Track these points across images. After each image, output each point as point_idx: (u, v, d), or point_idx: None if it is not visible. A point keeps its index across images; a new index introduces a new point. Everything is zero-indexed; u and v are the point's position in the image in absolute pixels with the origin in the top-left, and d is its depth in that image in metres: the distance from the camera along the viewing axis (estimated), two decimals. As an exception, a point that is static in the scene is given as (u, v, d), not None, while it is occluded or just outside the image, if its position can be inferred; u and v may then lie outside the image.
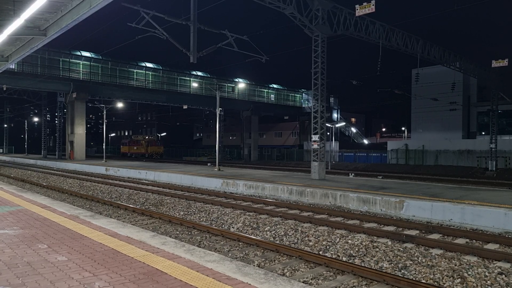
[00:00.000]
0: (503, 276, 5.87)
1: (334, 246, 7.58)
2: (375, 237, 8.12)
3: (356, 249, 7.33)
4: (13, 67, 32.28)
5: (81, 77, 38.22)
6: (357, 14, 15.84)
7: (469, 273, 6.00)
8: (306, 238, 8.21)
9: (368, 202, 11.36)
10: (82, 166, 29.06)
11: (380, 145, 50.41)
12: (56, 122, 48.46)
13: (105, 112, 35.29)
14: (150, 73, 43.25)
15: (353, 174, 23.21)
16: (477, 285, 5.56)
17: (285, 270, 6.17)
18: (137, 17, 16.18)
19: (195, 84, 45.62)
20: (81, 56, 38.47)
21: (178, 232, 8.85)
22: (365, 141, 60.13)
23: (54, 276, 3.91)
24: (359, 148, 49.66)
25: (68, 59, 37.49)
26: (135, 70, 42.17)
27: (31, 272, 4.03)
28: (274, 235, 8.61)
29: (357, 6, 15.59)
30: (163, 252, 4.85)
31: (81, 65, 38.57)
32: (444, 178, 23.61)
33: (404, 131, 61.46)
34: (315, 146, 17.30)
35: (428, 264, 6.42)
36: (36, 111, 59.48)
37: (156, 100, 44.52)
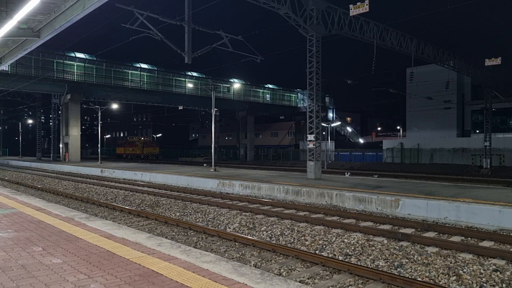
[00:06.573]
0: (498, 273, 5.91)
1: (330, 245, 7.59)
2: (371, 236, 8.15)
3: (352, 248, 7.35)
4: (7, 68, 32.02)
5: (75, 78, 38.03)
6: (351, 14, 15.89)
7: (465, 270, 6.04)
8: (303, 238, 8.22)
9: (364, 201, 11.39)
10: (77, 168, 28.90)
11: (375, 144, 50.57)
12: (51, 123, 48.19)
13: (100, 113, 35.12)
14: (145, 74, 43.12)
15: (349, 173, 23.27)
16: (472, 282, 5.59)
17: (282, 270, 6.17)
18: (131, 18, 16.14)
19: (190, 85, 45.53)
20: (75, 57, 38.28)
21: (174, 233, 8.83)
22: (361, 140, 60.32)
23: (49, 278, 3.88)
24: (355, 147, 49.80)
25: (62, 61, 37.28)
26: (130, 71, 42.01)
27: (26, 275, 4.00)
28: (270, 235, 8.61)
29: (351, 6, 15.64)
30: (159, 253, 4.83)
31: (75, 67, 38.38)
32: (439, 176, 23.74)
33: (399, 130, 61.70)
34: (311, 145, 17.33)
35: (424, 262, 6.44)
36: (31, 113, 59.06)
37: (151, 101, 44.38)
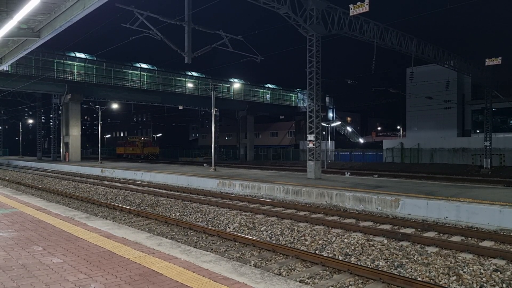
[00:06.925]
0: (498, 273, 5.91)
1: (330, 245, 7.59)
2: (371, 236, 8.15)
3: (352, 248, 7.35)
4: (7, 69, 32.04)
5: (75, 78, 38.04)
6: (351, 14, 15.87)
7: (465, 270, 6.03)
8: (303, 238, 8.22)
9: (364, 201, 11.39)
10: (78, 168, 28.91)
11: (375, 144, 50.58)
12: (51, 123, 48.22)
13: (100, 113, 35.13)
14: (145, 73, 43.13)
15: (349, 173, 23.27)
16: (472, 282, 5.59)
17: (282, 270, 6.17)
18: (131, 18, 16.14)
19: (190, 85, 45.54)
20: (76, 57, 38.30)
21: (174, 233, 8.83)
22: (361, 140, 60.31)
23: (49, 278, 3.89)
24: (355, 147, 49.81)
25: (62, 61, 37.30)
26: (130, 71, 42.02)
27: (26, 274, 4.00)
28: (270, 235, 8.61)
29: (351, 6, 15.62)
30: (159, 253, 4.83)
31: (75, 67, 38.41)
32: (439, 176, 23.74)
33: (399, 129, 61.70)
34: (311, 145, 17.32)
35: (424, 262, 6.45)
36: (31, 113, 59.05)
37: (151, 101, 44.38)
